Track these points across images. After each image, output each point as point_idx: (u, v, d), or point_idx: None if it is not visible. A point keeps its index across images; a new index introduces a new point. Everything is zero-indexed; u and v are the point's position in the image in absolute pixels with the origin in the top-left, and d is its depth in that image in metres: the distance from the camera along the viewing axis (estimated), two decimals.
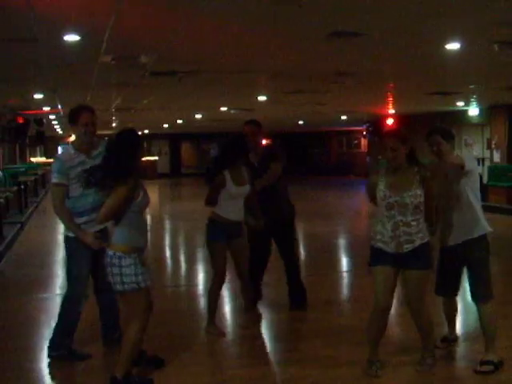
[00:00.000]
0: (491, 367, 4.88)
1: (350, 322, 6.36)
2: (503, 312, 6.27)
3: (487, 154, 19.15)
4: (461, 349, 5.59)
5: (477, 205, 5.03)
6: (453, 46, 7.59)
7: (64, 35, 6.63)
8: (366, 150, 30.37)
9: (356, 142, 33.87)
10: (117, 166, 4.51)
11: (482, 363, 4.92)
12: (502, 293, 7.27)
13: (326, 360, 5.27)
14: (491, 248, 5.07)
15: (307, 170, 34.91)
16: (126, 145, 4.61)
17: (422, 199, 4.68)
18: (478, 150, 19.79)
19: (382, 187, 4.75)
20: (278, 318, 6.67)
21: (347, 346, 5.60)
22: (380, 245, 4.77)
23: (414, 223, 4.67)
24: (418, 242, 4.69)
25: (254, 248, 6.48)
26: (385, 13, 6.02)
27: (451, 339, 5.54)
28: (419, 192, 4.67)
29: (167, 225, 16.28)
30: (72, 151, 5.23)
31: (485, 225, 5.05)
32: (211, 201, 5.94)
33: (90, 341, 5.68)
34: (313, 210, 16.31)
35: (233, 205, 5.91)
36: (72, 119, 5.24)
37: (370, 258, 4.86)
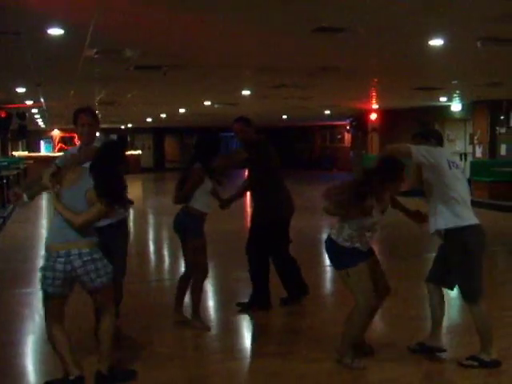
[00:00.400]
0: (475, 363, 4.92)
1: (334, 316, 6.41)
2: None
3: (470, 149, 19.30)
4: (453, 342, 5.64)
5: (437, 200, 4.99)
6: (436, 42, 7.66)
7: (48, 29, 6.62)
8: (349, 145, 30.49)
9: (339, 136, 34.00)
10: (108, 187, 4.52)
11: (468, 358, 4.98)
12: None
13: (311, 354, 5.32)
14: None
15: (291, 164, 35.00)
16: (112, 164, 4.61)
17: None
18: (460, 145, 19.96)
19: (375, 214, 4.86)
20: (264, 312, 6.70)
21: (332, 340, 5.65)
22: (358, 245, 4.89)
23: None
24: None
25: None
26: (369, 9, 6.06)
27: (426, 347, 5.20)
28: None
29: (150, 219, 16.26)
30: (75, 151, 5.46)
31: (436, 222, 5.00)
32: (187, 198, 5.97)
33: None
34: (297, 204, 16.30)
35: (208, 198, 6.05)
36: (73, 120, 5.43)
37: (348, 258, 4.88)
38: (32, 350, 5.78)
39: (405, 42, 7.91)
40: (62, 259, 4.43)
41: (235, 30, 7.16)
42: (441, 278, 5.16)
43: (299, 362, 5.17)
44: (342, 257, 4.93)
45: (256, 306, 6.60)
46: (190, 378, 5.01)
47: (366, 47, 8.26)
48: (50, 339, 4.65)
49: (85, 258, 4.45)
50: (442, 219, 4.94)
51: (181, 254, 6.39)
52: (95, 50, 8.02)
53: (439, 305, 5.18)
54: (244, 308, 6.63)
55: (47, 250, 4.55)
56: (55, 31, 6.70)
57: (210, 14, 6.31)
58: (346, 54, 8.87)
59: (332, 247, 4.99)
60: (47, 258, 4.51)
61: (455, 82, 13.19)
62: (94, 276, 4.48)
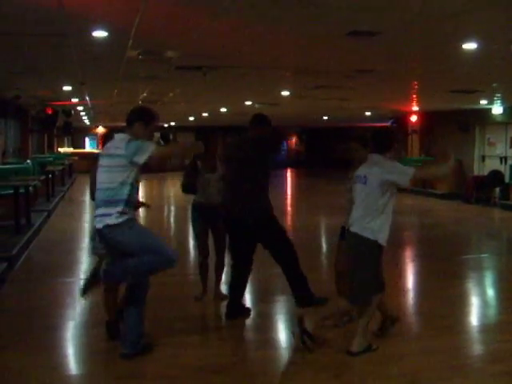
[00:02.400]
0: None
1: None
2: None
3: (510, 152, 19.14)
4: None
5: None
6: (469, 45, 7.72)
7: (92, 31, 6.91)
8: None
9: None
10: None
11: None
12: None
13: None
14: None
15: (332, 164, 35.03)
16: None
17: None
18: (501, 148, 19.79)
19: None
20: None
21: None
22: None
23: None
24: None
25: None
26: (401, 13, 6.20)
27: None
28: None
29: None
30: None
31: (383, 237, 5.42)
32: None
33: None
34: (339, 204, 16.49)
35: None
36: (146, 120, 5.47)
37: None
38: (72, 334, 6.12)
39: (439, 46, 8.00)
40: None
41: (272, 33, 7.34)
42: None
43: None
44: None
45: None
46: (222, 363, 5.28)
47: (400, 50, 8.36)
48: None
49: None
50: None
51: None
52: (137, 51, 8.31)
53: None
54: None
55: None
56: (99, 33, 6.99)
57: (247, 18, 6.51)
58: (380, 57, 8.99)
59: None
60: None
61: (495, 84, 13.15)
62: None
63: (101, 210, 5.15)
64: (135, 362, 5.18)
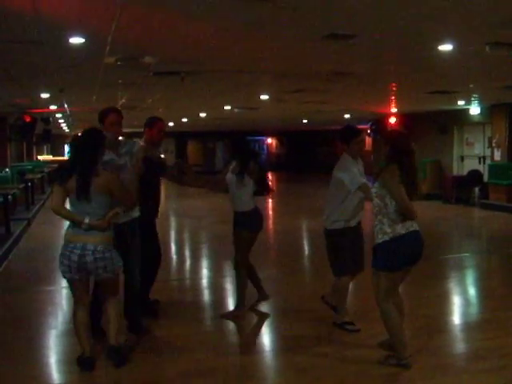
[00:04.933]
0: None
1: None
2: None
3: (488, 152, 19.32)
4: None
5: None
6: (445, 47, 7.79)
7: (69, 38, 6.88)
8: (370, 149, 30.52)
9: None
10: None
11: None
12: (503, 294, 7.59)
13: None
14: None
15: (313, 168, 35.15)
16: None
17: None
18: (479, 148, 19.97)
19: None
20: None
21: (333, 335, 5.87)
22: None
23: None
24: None
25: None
26: (377, 16, 6.25)
27: None
28: None
29: (173, 222, 16.55)
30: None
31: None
32: None
33: None
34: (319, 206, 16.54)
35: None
36: (100, 119, 5.72)
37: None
38: (53, 343, 6.08)
39: (415, 48, 8.05)
40: (78, 251, 4.87)
41: (250, 37, 7.37)
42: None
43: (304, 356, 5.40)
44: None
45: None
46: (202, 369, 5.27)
47: (377, 52, 8.42)
48: (72, 318, 5.19)
49: (97, 256, 4.90)
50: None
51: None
52: (115, 58, 8.28)
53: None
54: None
55: (66, 239, 4.97)
56: (76, 40, 6.96)
57: (224, 22, 6.52)
58: (358, 60, 9.03)
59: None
60: (65, 247, 4.95)
61: (471, 85, 13.27)
62: (100, 271, 4.96)
63: None
64: (116, 370, 5.15)
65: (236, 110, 18.27)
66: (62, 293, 7.73)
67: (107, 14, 5.95)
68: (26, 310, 7.15)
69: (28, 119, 17.68)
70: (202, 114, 21.06)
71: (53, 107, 16.32)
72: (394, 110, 21.23)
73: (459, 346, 5.92)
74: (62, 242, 5.04)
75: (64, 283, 8.10)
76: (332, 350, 5.50)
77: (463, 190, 18.61)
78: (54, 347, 5.96)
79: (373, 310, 5.60)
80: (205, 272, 9.48)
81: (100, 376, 5.10)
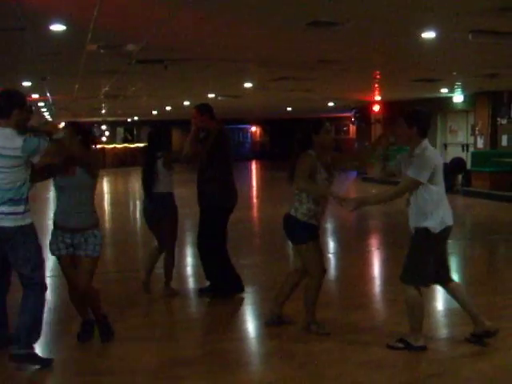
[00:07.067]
0: (400, 345, 5.20)
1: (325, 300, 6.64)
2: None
3: (471, 140, 19.43)
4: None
5: None
6: (428, 34, 7.81)
7: (50, 25, 6.82)
8: (354, 137, 30.60)
9: (345, 128, 34.11)
10: None
11: (397, 340, 5.25)
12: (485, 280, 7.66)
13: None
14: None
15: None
16: None
17: None
18: (462, 136, 20.09)
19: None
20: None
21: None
22: (313, 221, 5.55)
23: None
24: None
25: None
26: (360, 3, 6.25)
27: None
28: None
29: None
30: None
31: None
32: None
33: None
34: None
35: None
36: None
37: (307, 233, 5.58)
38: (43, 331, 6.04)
39: (398, 35, 8.07)
40: (68, 236, 5.21)
41: (233, 24, 7.34)
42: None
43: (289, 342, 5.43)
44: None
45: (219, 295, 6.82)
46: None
47: (360, 40, 8.42)
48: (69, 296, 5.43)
49: (87, 238, 5.18)
50: None
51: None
52: (97, 45, 8.23)
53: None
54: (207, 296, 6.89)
55: (55, 227, 5.27)
56: (57, 27, 6.91)
57: (208, 9, 6.48)
58: (342, 47, 9.04)
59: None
60: (54, 234, 5.29)
61: (454, 73, 13.32)
62: (82, 252, 5.20)
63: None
64: (101, 359, 5.14)
65: (220, 98, 18.22)
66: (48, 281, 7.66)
67: (88, 0, 5.91)
68: (15, 298, 7.08)
69: None
70: (186, 103, 20.97)
71: (35, 96, 16.18)
72: (377, 97, 21.26)
73: (443, 331, 5.97)
74: (45, 231, 5.05)
75: (48, 272, 8.10)
76: (316, 337, 5.53)
77: (446, 177, 18.65)
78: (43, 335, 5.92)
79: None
80: (189, 260, 9.47)
81: (85, 364, 5.08)
